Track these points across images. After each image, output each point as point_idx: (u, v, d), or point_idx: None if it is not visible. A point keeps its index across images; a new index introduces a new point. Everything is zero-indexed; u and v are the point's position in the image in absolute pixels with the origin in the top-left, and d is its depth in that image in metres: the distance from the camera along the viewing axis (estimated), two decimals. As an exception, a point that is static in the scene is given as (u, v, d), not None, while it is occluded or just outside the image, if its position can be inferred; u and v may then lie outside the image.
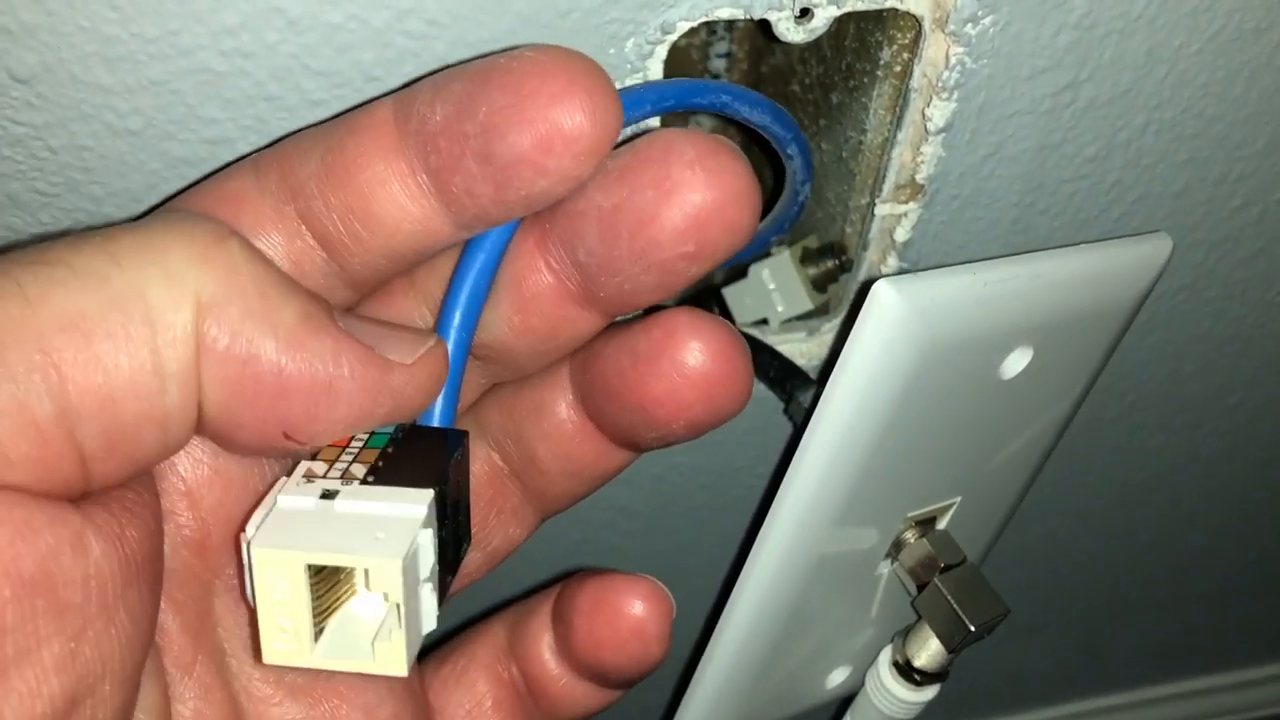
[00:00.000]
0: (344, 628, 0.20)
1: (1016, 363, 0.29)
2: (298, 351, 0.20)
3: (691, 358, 0.23)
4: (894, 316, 0.25)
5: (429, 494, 0.20)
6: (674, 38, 0.27)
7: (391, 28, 0.25)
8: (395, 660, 0.20)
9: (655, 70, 0.28)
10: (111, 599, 0.18)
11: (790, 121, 0.28)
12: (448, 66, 0.26)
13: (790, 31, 0.29)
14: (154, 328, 0.18)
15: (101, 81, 0.25)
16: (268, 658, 0.20)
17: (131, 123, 0.26)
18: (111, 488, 0.19)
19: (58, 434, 0.18)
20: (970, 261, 0.36)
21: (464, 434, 0.23)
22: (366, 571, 0.20)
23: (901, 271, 0.35)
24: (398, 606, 0.20)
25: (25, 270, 0.18)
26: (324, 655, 0.20)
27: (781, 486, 0.28)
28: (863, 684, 0.34)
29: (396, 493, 0.20)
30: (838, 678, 0.36)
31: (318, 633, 0.20)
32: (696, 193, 0.21)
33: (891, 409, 0.27)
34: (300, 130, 0.24)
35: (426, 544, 0.20)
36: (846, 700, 0.36)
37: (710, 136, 0.22)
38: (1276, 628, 0.65)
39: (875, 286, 0.25)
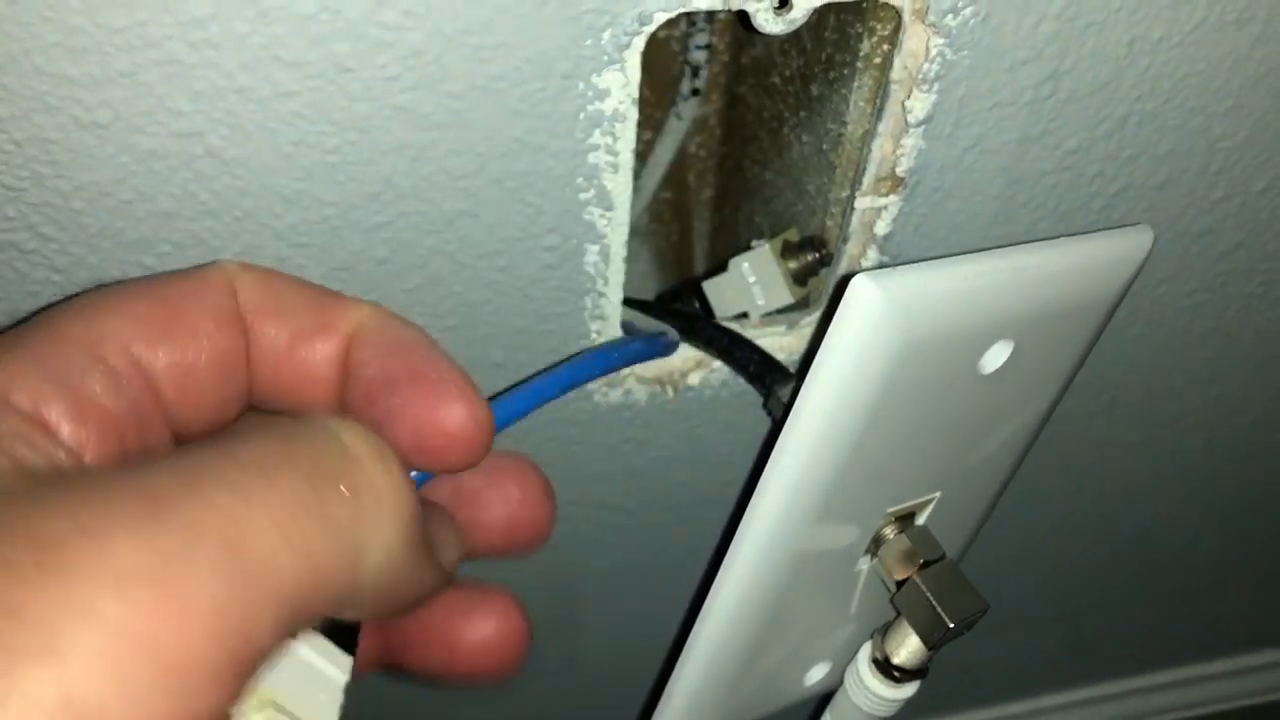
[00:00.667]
0: None
1: (997, 357, 0.29)
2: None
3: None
4: (873, 312, 0.25)
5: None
6: (652, 29, 0.27)
7: (366, 18, 0.25)
8: None
9: (632, 61, 0.27)
10: None
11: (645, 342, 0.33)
12: (422, 58, 0.26)
13: (769, 23, 0.28)
14: None
15: (67, 73, 0.24)
16: None
17: (99, 115, 0.25)
18: None
19: None
20: (950, 255, 0.36)
21: None
22: None
23: (882, 265, 0.35)
24: None
25: None
26: None
27: (760, 483, 0.28)
28: (842, 681, 0.34)
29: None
30: (817, 674, 0.36)
31: None
32: None
33: (871, 404, 0.27)
34: None
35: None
36: (826, 697, 0.35)
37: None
38: (1254, 621, 0.66)
39: (853, 281, 0.25)
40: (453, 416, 0.23)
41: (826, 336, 0.26)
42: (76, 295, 0.22)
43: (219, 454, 0.18)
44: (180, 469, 0.18)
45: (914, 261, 0.35)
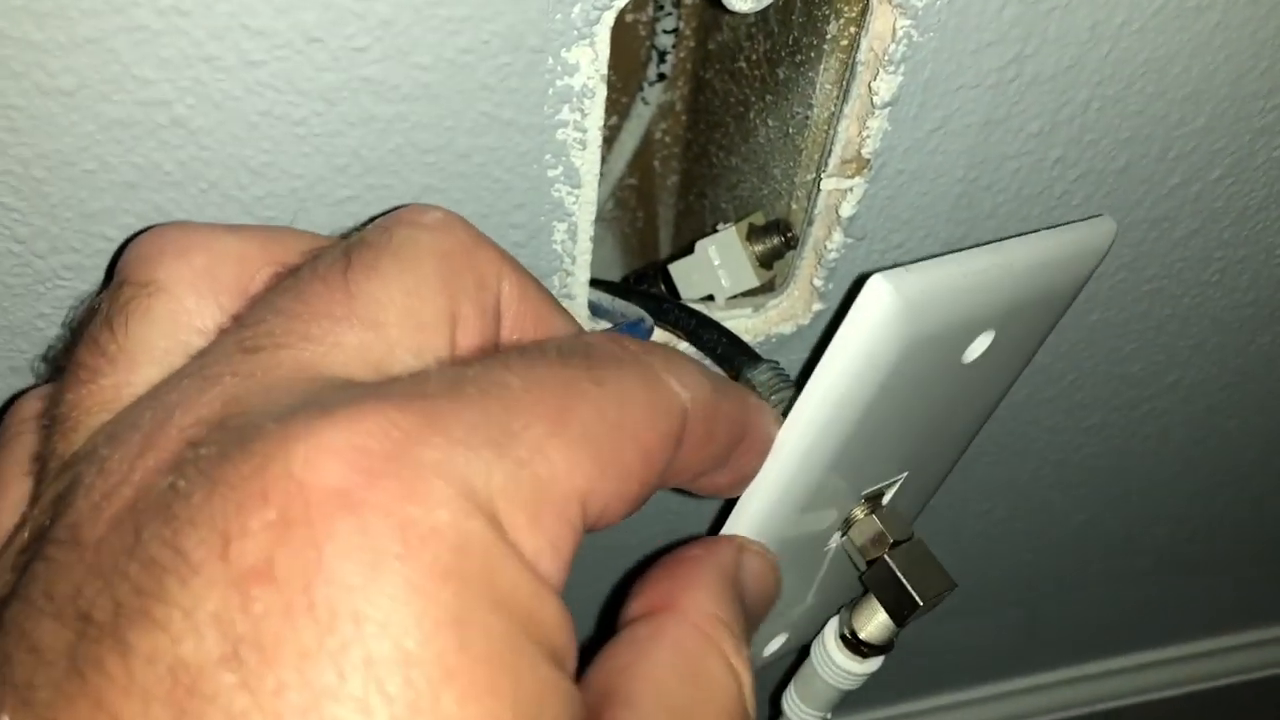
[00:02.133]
0: None
1: (979, 347, 0.29)
2: None
3: None
4: (888, 310, 0.25)
5: None
6: (621, 4, 0.27)
7: (333, -13, 0.25)
8: None
9: (602, 36, 0.27)
10: None
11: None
12: (391, 29, 0.26)
13: (737, 1, 0.29)
14: None
15: (30, 37, 0.24)
16: None
17: (63, 82, 0.25)
18: None
19: None
20: (918, 240, 0.36)
21: None
22: None
23: (848, 247, 0.35)
24: None
25: None
26: None
27: (759, 475, 0.28)
28: (807, 654, 0.34)
29: None
30: (774, 645, 0.36)
31: None
32: None
33: (871, 400, 0.27)
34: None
35: None
36: (790, 670, 0.36)
37: None
38: (1211, 604, 0.67)
39: (871, 281, 0.26)
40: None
41: (840, 334, 0.26)
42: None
43: None
44: None
45: (881, 245, 0.36)
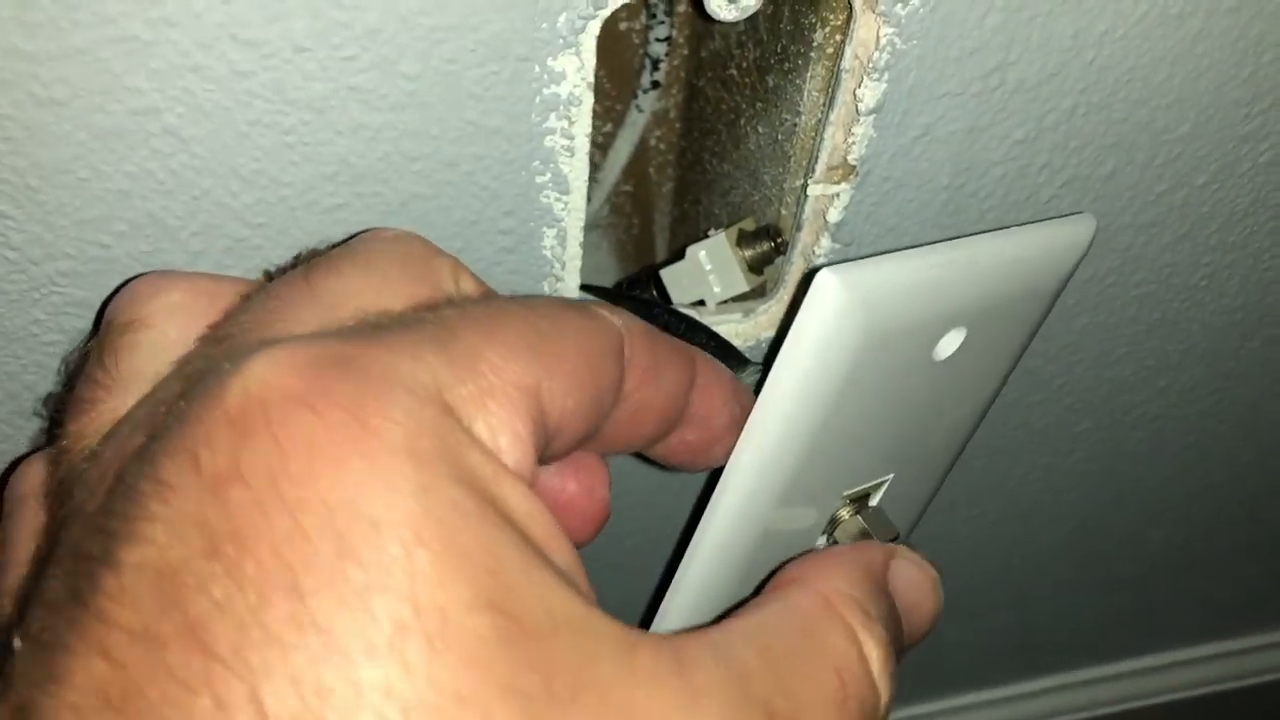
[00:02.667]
0: None
1: (950, 344, 0.30)
2: None
3: None
4: (836, 303, 0.26)
5: None
6: (606, 13, 0.27)
7: (321, -2, 0.25)
8: None
9: (587, 45, 0.28)
10: None
11: None
12: (378, 38, 0.26)
13: (723, 9, 0.29)
14: None
15: (22, 48, 0.24)
16: None
17: (56, 92, 0.25)
18: None
19: None
20: (904, 245, 0.36)
21: None
22: None
23: (836, 252, 0.36)
24: None
25: None
26: None
27: (724, 472, 0.29)
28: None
29: None
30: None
31: None
32: None
33: (834, 393, 0.27)
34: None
35: None
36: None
37: None
38: (1203, 610, 0.67)
39: (818, 275, 0.26)
40: None
41: (792, 328, 0.26)
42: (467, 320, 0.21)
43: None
44: None
45: (869, 250, 0.36)
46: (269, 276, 0.24)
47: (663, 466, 0.29)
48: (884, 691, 0.22)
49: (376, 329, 0.19)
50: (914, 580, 0.27)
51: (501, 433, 0.18)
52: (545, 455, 0.21)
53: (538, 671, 0.16)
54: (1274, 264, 0.43)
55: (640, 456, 0.28)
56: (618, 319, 0.23)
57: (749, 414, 0.27)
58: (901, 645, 0.24)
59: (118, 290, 0.25)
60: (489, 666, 0.15)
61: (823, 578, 0.23)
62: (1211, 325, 0.45)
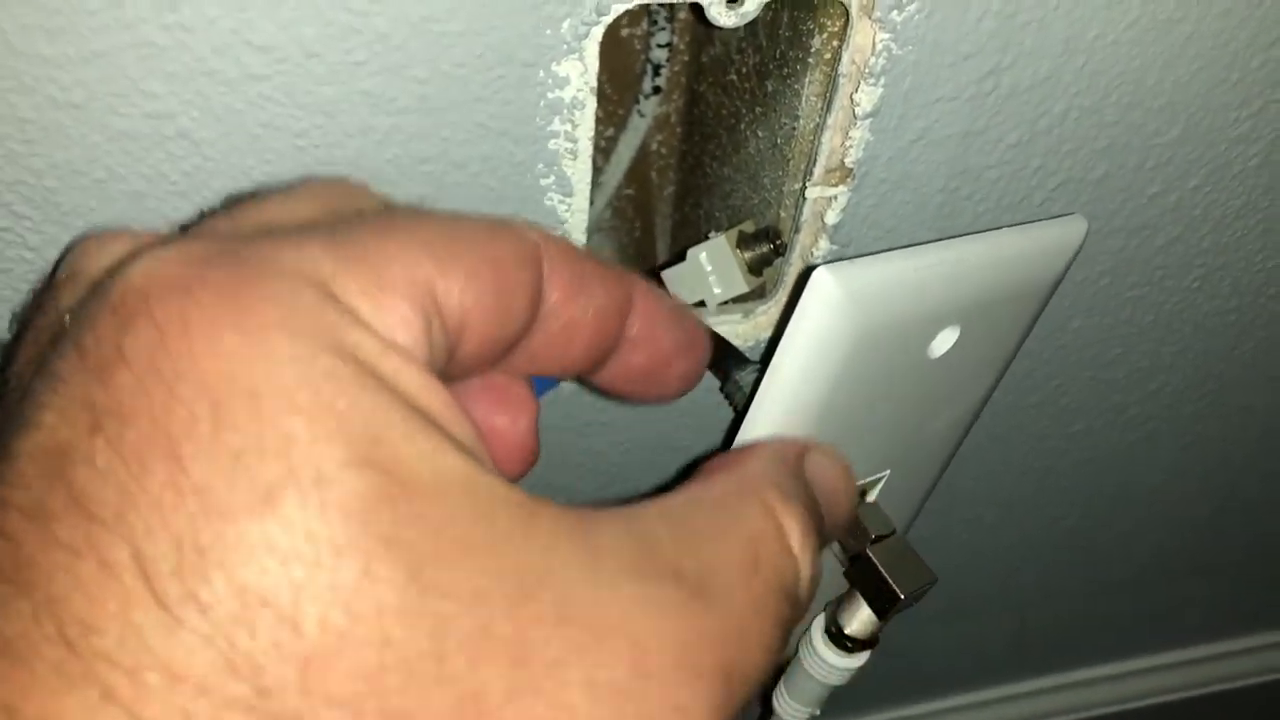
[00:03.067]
0: None
1: (944, 342, 0.30)
2: None
3: None
4: (832, 302, 0.26)
5: None
6: (609, 19, 0.28)
7: (333, 3, 0.26)
8: None
9: (590, 50, 0.28)
10: None
11: None
12: (388, 43, 0.27)
13: (722, 16, 0.30)
14: None
15: (42, 53, 0.25)
16: None
17: (74, 95, 0.26)
18: None
19: None
20: (899, 246, 0.37)
21: None
22: None
23: (833, 254, 0.36)
24: None
25: None
26: None
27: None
28: (795, 651, 0.35)
29: None
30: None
31: None
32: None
33: (830, 388, 0.28)
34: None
35: None
36: (780, 667, 0.37)
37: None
38: (1200, 610, 0.67)
39: (814, 274, 0.26)
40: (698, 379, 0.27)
41: (789, 326, 0.27)
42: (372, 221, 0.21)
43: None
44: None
45: (865, 251, 0.37)
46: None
47: (625, 400, 0.28)
48: (805, 565, 0.22)
49: (268, 231, 0.19)
50: (828, 469, 0.26)
51: (390, 318, 0.18)
52: (455, 361, 0.20)
53: (420, 527, 0.16)
54: (1265, 266, 0.44)
55: (612, 398, 0.27)
56: (536, 233, 0.22)
57: (699, 337, 0.27)
58: (822, 527, 0.24)
59: (67, 248, 0.25)
60: (365, 520, 0.16)
61: (739, 464, 0.23)
62: (1204, 327, 0.46)
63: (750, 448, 0.25)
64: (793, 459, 0.25)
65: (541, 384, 0.25)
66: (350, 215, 0.20)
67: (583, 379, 0.26)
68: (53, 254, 0.29)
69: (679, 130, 0.50)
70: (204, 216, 0.24)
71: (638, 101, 0.48)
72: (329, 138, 0.28)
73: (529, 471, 0.25)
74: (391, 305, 0.18)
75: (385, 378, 0.17)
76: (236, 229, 0.20)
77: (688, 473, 0.25)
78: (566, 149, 0.31)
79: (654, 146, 0.50)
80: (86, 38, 0.25)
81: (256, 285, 0.17)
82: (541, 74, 0.29)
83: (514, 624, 0.16)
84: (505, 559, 0.17)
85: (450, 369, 0.20)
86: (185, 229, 0.25)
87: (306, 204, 0.21)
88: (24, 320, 0.24)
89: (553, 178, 0.31)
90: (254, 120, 0.28)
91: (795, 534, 0.22)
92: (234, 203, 0.23)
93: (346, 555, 0.15)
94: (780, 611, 0.20)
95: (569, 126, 0.30)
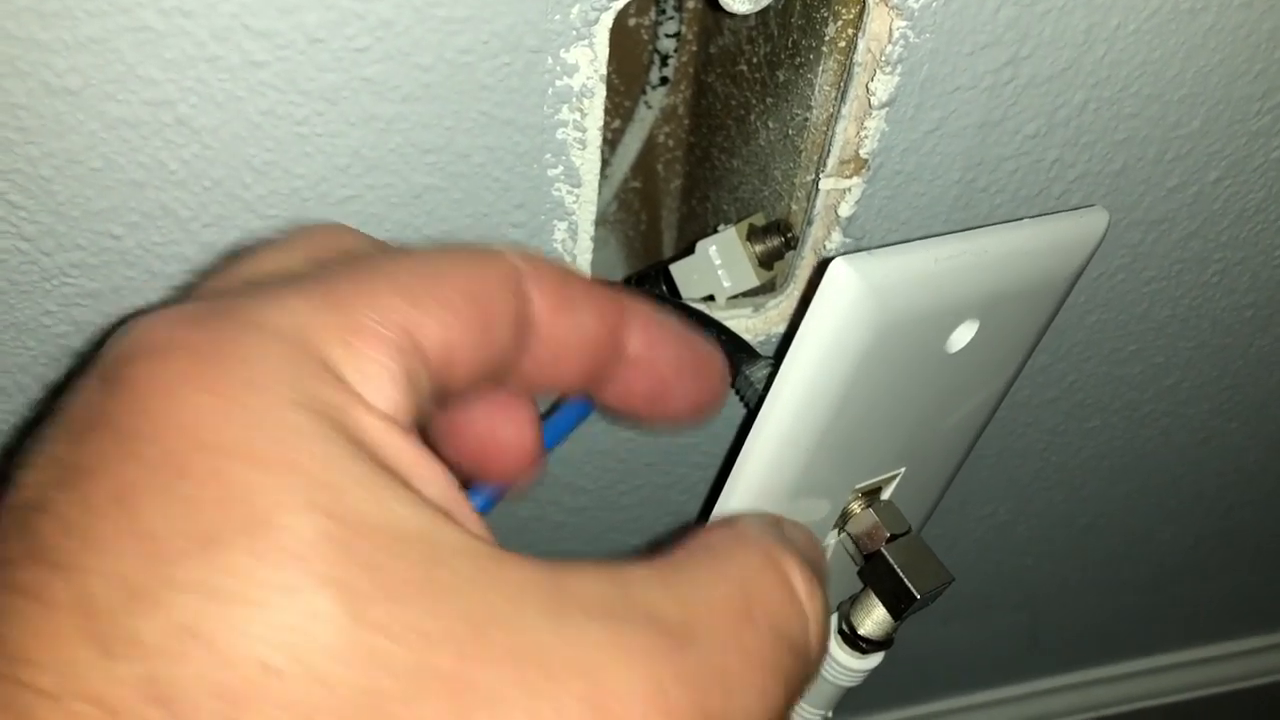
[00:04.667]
0: None
1: (963, 336, 0.30)
2: None
3: None
4: (852, 295, 0.26)
5: None
6: (620, 4, 0.27)
7: (335, -12, 0.25)
8: None
9: (601, 37, 0.28)
10: None
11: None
12: (392, 29, 0.26)
13: (736, 2, 0.29)
14: None
15: (37, 37, 0.24)
16: None
17: (69, 81, 0.25)
18: None
19: None
20: (914, 239, 0.36)
21: None
22: None
23: (847, 247, 0.35)
24: None
25: None
26: None
27: (737, 462, 0.29)
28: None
29: None
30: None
31: None
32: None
33: (846, 383, 0.27)
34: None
35: None
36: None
37: None
38: (1215, 609, 0.67)
39: (832, 265, 0.26)
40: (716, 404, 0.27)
41: (806, 318, 0.26)
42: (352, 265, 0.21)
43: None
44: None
45: (880, 244, 0.36)
46: None
47: (640, 424, 0.28)
48: (812, 618, 0.21)
49: (255, 285, 0.20)
50: (805, 538, 0.26)
51: (366, 364, 0.19)
52: (449, 388, 0.21)
53: (369, 569, 0.16)
54: (1284, 261, 0.43)
55: (627, 422, 0.27)
56: (516, 257, 0.22)
57: (706, 357, 0.27)
58: (826, 585, 0.23)
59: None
60: (311, 562, 0.16)
61: (732, 521, 0.23)
62: (1222, 322, 0.45)
63: (735, 515, 0.25)
64: (774, 525, 0.24)
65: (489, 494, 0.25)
66: (335, 262, 0.21)
67: (595, 403, 0.26)
68: (48, 244, 0.28)
69: (686, 122, 0.49)
70: (203, 277, 0.24)
71: (645, 93, 0.47)
72: (331, 126, 0.28)
73: (536, 480, 0.25)
74: (367, 351, 0.19)
75: (350, 430, 0.18)
76: (227, 286, 0.21)
77: (688, 474, 0.25)
78: (575, 138, 0.30)
79: (661, 138, 0.50)
80: (82, 22, 0.24)
81: (233, 345, 0.18)
82: (549, 61, 0.28)
83: (459, 662, 0.16)
84: (460, 603, 0.17)
85: (446, 395, 0.21)
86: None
87: (297, 254, 0.22)
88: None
89: (560, 168, 0.31)
90: (254, 108, 0.27)
91: (800, 583, 0.21)
92: (229, 259, 0.24)
93: (290, 595, 0.16)
94: (779, 660, 0.20)
95: (578, 115, 0.29)
